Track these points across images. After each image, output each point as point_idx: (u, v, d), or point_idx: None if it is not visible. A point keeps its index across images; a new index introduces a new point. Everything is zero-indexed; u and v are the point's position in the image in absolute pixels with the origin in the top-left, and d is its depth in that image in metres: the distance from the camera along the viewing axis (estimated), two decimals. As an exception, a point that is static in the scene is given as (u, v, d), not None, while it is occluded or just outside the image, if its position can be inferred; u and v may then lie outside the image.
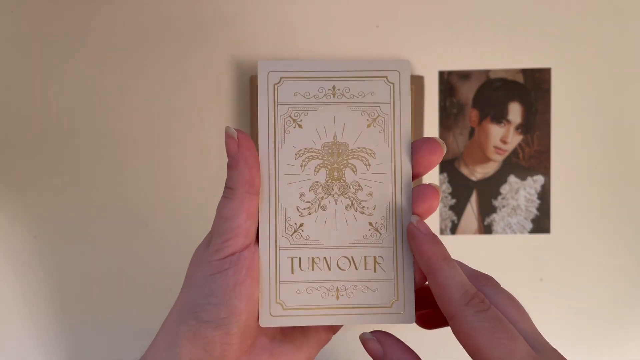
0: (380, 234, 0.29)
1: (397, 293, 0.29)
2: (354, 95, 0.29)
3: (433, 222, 0.65)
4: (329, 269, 0.29)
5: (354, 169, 0.29)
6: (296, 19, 0.65)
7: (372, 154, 0.29)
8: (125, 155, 0.66)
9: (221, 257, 0.27)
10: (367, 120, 0.29)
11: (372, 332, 0.28)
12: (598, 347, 0.66)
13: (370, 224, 0.29)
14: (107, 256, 0.66)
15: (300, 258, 0.29)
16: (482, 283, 0.28)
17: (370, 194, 0.29)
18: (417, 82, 0.63)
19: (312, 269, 0.29)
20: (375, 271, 0.29)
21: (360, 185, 0.29)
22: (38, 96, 0.66)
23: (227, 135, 0.28)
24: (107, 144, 0.66)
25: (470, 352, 0.26)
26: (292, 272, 0.29)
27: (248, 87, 0.65)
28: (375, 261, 0.29)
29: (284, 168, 0.29)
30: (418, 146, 0.29)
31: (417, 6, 0.65)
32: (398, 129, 0.29)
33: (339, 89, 0.29)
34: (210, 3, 0.65)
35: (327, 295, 0.29)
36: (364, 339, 0.28)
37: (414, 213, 0.29)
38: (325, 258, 0.29)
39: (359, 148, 0.29)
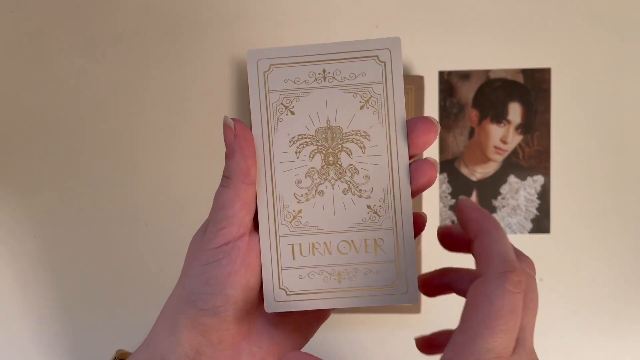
0: (380, 216, 0.29)
1: (399, 274, 0.29)
2: (345, 78, 0.29)
3: (434, 221, 0.65)
4: (330, 254, 0.29)
5: (349, 153, 0.29)
6: (296, 19, 0.65)
7: (367, 136, 0.29)
8: (124, 155, 0.66)
9: (215, 246, 0.28)
10: (360, 102, 0.29)
11: (283, 358, 0.26)
12: (598, 347, 0.66)
13: (369, 206, 0.29)
14: (107, 256, 0.66)
15: (300, 244, 0.29)
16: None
17: (367, 176, 0.29)
18: (417, 82, 0.63)
19: (313, 254, 0.29)
20: (376, 253, 0.29)
21: (356, 169, 0.29)
22: (37, 96, 0.66)
23: (225, 125, 0.28)
24: (107, 143, 0.66)
25: (464, 313, 0.25)
26: (294, 259, 0.29)
27: (248, 87, 0.65)
28: (375, 243, 0.29)
29: (278, 156, 0.29)
30: (412, 126, 0.29)
31: (417, 6, 0.65)
32: (392, 109, 0.29)
33: (329, 72, 0.29)
34: (210, 3, 0.65)
35: (329, 279, 0.29)
36: None
37: (412, 188, 0.29)
38: (325, 243, 0.29)
39: (353, 131, 0.29)
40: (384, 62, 0.29)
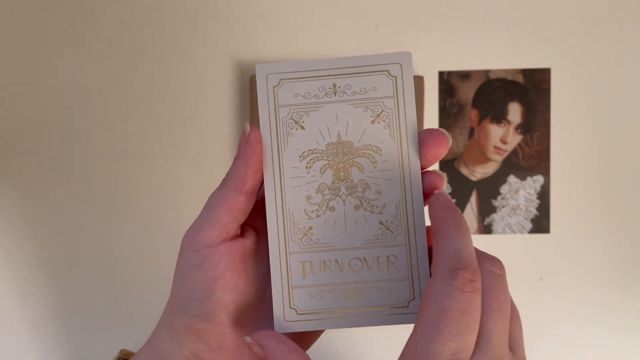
0: (392, 232, 0.28)
1: (413, 292, 0.28)
2: (355, 92, 0.28)
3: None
4: (342, 271, 0.28)
5: (361, 168, 0.28)
6: (296, 19, 0.65)
7: (379, 151, 0.28)
8: (125, 155, 0.66)
9: (195, 249, 0.27)
10: (371, 116, 0.28)
11: (252, 335, 0.26)
12: (598, 346, 0.66)
13: (381, 222, 0.28)
14: (107, 256, 0.66)
15: (311, 262, 0.28)
16: (480, 262, 0.25)
17: (378, 192, 0.28)
18: (417, 82, 0.63)
19: (324, 272, 0.28)
20: (388, 271, 0.28)
21: (368, 184, 0.28)
22: (38, 96, 0.66)
23: (243, 130, 0.28)
24: (107, 143, 0.66)
25: (417, 320, 0.24)
26: (304, 277, 0.28)
27: (248, 87, 0.65)
28: (388, 260, 0.28)
29: (288, 171, 0.28)
30: (422, 139, 0.28)
31: (417, 6, 0.65)
32: (403, 123, 0.28)
33: (339, 87, 0.28)
34: (210, 3, 0.65)
35: (340, 297, 0.28)
36: (247, 344, 0.26)
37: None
38: (336, 260, 0.28)
39: (364, 146, 0.28)
40: (395, 77, 0.28)
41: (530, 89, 0.65)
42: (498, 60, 0.65)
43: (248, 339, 0.26)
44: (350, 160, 0.28)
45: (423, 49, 0.65)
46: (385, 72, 0.29)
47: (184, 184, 0.66)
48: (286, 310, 0.28)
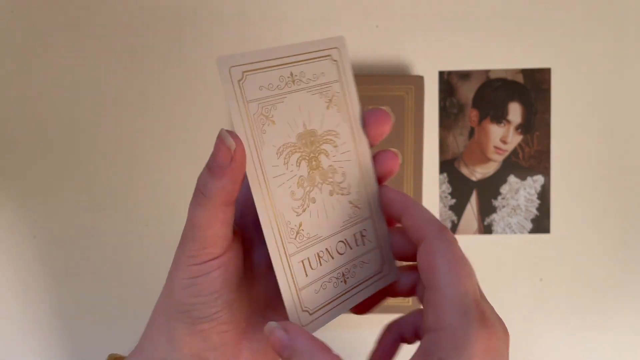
0: (359, 208, 0.30)
1: (383, 257, 0.30)
2: (309, 79, 0.29)
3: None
4: (333, 258, 0.29)
5: (327, 154, 0.29)
6: (296, 19, 0.65)
7: (337, 135, 0.29)
8: (125, 155, 0.66)
9: (199, 262, 0.27)
10: (325, 102, 0.29)
11: (280, 323, 0.26)
12: (598, 346, 0.66)
13: (350, 202, 0.30)
14: (107, 256, 0.66)
15: (308, 258, 0.28)
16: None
17: (344, 174, 0.30)
18: (417, 82, 0.63)
19: (320, 264, 0.29)
20: (364, 244, 0.30)
21: (335, 168, 0.29)
22: (37, 96, 0.66)
23: (221, 141, 0.25)
24: (107, 143, 0.66)
25: (425, 277, 0.26)
26: (306, 275, 0.28)
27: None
28: (362, 235, 0.30)
29: (270, 171, 0.27)
30: (367, 118, 0.30)
31: (417, 6, 0.65)
32: (350, 105, 0.30)
33: (296, 75, 0.28)
34: (209, 2, 0.65)
35: (337, 283, 0.29)
36: (269, 330, 0.26)
37: (378, 175, 0.31)
38: (327, 249, 0.29)
39: (325, 132, 0.29)
40: (337, 61, 0.29)
41: (530, 89, 0.65)
42: (498, 60, 0.65)
43: (274, 323, 0.26)
44: (318, 148, 0.29)
45: (423, 49, 0.65)
46: (329, 57, 0.29)
47: (183, 184, 0.66)
48: (300, 315, 0.28)
